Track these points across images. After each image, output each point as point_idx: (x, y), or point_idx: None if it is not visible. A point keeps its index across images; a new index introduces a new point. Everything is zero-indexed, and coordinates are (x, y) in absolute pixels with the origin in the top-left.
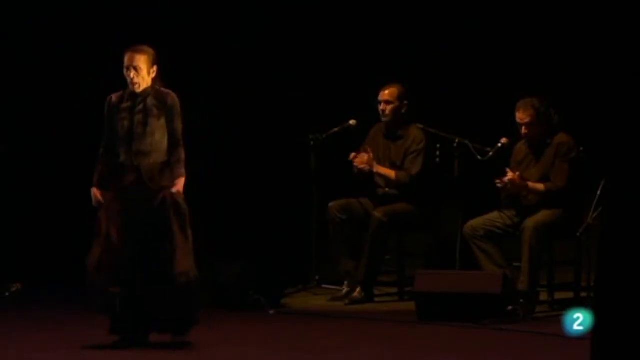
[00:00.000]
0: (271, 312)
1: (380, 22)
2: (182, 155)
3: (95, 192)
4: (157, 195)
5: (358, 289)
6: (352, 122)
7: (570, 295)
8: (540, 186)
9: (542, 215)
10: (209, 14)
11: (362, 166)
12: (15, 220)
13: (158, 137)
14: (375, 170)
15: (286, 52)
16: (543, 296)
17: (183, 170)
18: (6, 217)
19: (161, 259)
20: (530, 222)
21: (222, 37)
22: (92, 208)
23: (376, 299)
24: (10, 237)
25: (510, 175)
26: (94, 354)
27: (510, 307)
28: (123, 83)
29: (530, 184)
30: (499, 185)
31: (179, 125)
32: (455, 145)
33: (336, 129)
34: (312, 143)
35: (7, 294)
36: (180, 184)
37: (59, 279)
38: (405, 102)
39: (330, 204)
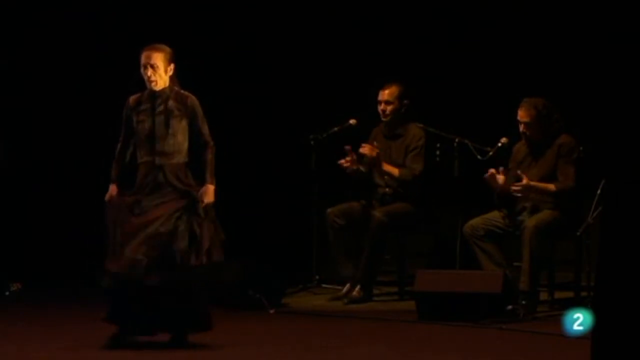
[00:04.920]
0: (271, 311)
1: (381, 22)
2: (212, 157)
3: (113, 188)
4: (183, 195)
5: (357, 288)
6: (352, 121)
7: (570, 295)
8: (550, 186)
9: (543, 215)
10: (208, 14)
11: (347, 165)
12: (16, 220)
13: (180, 138)
14: (380, 167)
15: (286, 52)
16: (543, 296)
17: (213, 177)
18: (6, 217)
19: (177, 257)
20: (530, 222)
21: (221, 37)
22: (92, 209)
23: (376, 299)
24: (10, 237)
25: (525, 180)
26: (94, 354)
27: (510, 307)
28: (124, 83)
29: (541, 184)
30: (516, 192)
31: (204, 126)
32: (455, 145)
33: (336, 129)
34: (312, 143)
35: (7, 293)
36: (210, 194)
37: (59, 279)
38: (405, 101)
39: (329, 210)
